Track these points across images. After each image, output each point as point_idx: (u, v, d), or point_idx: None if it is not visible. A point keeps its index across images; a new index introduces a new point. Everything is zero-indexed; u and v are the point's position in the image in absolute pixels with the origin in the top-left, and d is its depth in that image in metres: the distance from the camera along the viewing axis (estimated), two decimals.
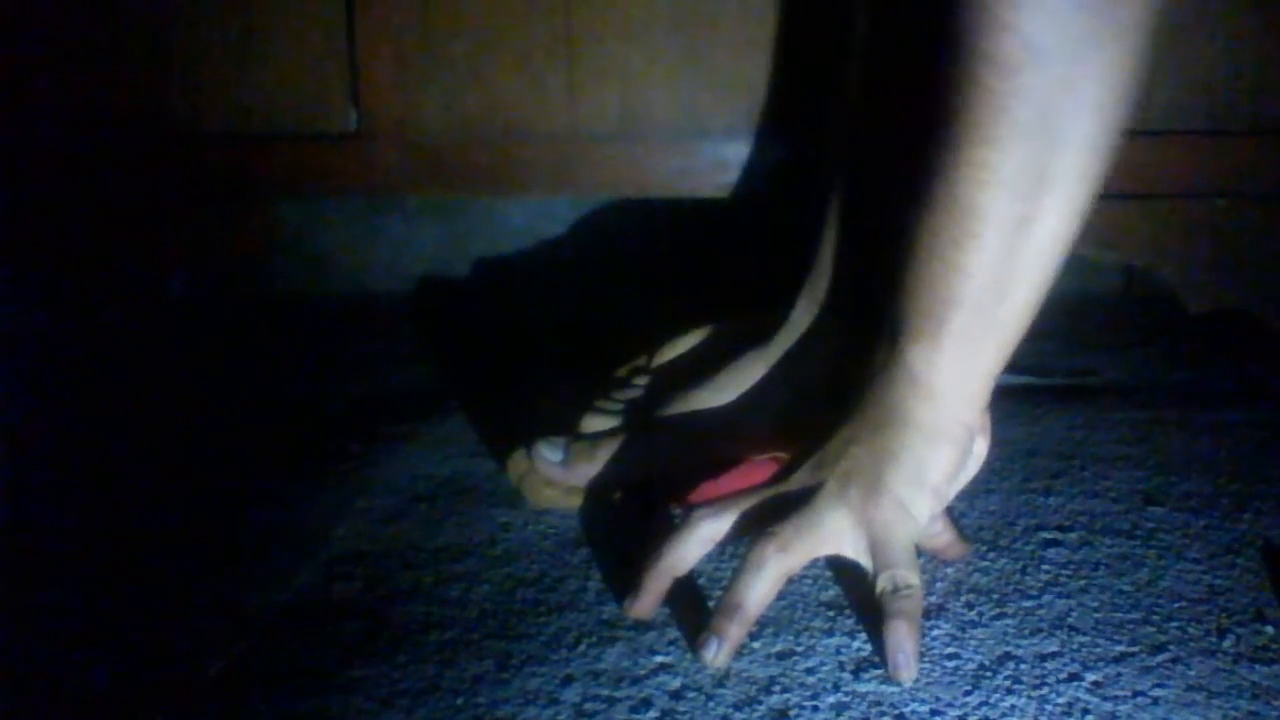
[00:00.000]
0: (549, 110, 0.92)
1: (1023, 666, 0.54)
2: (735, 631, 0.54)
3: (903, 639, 0.53)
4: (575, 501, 0.70)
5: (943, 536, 0.63)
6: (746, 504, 0.59)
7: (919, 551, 0.60)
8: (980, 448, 0.60)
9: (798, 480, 0.59)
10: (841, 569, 0.63)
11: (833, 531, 0.56)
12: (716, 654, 0.54)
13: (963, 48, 0.49)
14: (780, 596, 0.60)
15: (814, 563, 0.64)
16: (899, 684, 0.53)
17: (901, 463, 0.56)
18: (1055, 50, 0.48)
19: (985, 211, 0.51)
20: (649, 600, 0.58)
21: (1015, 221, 0.51)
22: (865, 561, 0.56)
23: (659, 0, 0.90)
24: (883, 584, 0.55)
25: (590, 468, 0.69)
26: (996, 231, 0.51)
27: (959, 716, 0.50)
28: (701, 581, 0.62)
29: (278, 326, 1.04)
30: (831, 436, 0.59)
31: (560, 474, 0.69)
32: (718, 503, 0.59)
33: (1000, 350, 0.56)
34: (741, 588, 0.55)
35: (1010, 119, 0.49)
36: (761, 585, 0.55)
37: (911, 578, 0.55)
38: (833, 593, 0.61)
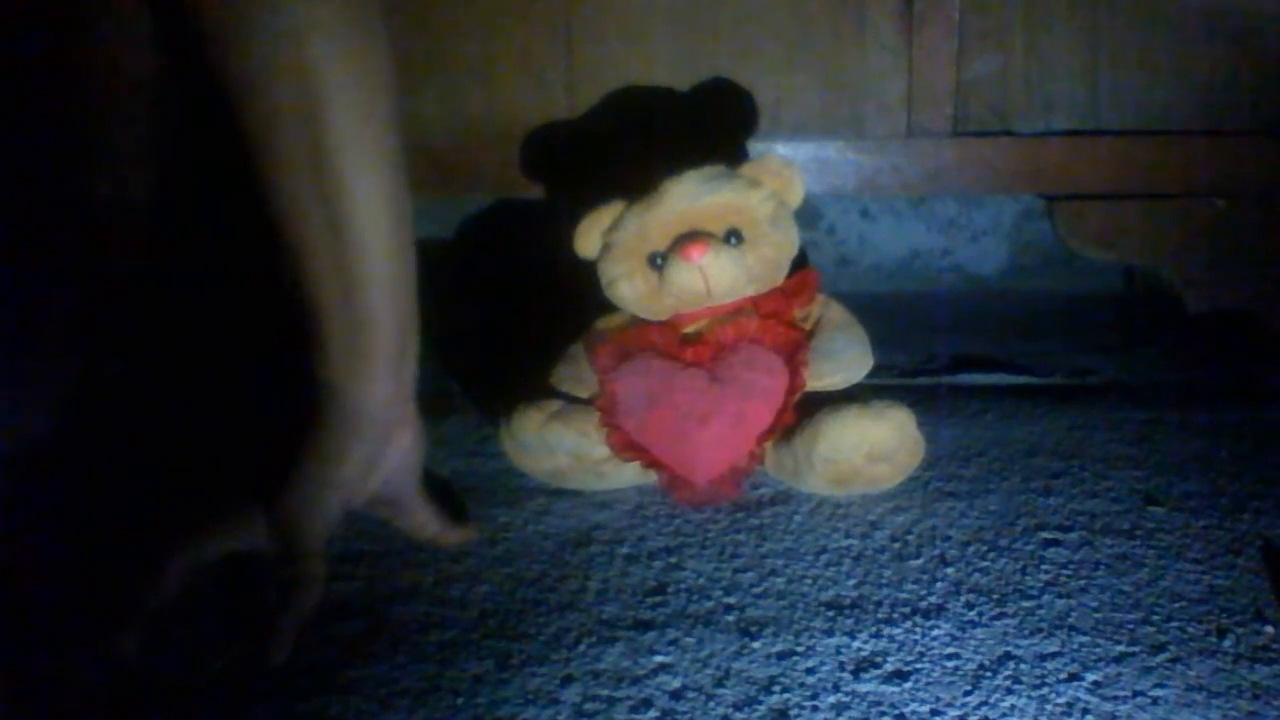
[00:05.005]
0: (549, 110, 0.92)
1: (1023, 666, 0.54)
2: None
3: (287, 630, 0.55)
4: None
5: (429, 527, 0.65)
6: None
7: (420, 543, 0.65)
8: (404, 439, 0.61)
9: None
10: (841, 569, 0.63)
11: (242, 523, 0.58)
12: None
13: None
14: (780, 596, 0.60)
15: (813, 562, 0.64)
16: (274, 665, 0.54)
17: (310, 458, 0.58)
18: None
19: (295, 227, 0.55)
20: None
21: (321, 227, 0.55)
22: (277, 551, 0.58)
23: (659, 0, 0.90)
24: (284, 573, 0.57)
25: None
26: (314, 237, 0.55)
27: (959, 716, 0.50)
28: (701, 581, 0.62)
29: (273, 325, 1.04)
30: None
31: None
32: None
33: (381, 351, 0.58)
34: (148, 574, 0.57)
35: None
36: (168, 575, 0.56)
37: (313, 568, 0.57)
38: (833, 593, 0.61)
